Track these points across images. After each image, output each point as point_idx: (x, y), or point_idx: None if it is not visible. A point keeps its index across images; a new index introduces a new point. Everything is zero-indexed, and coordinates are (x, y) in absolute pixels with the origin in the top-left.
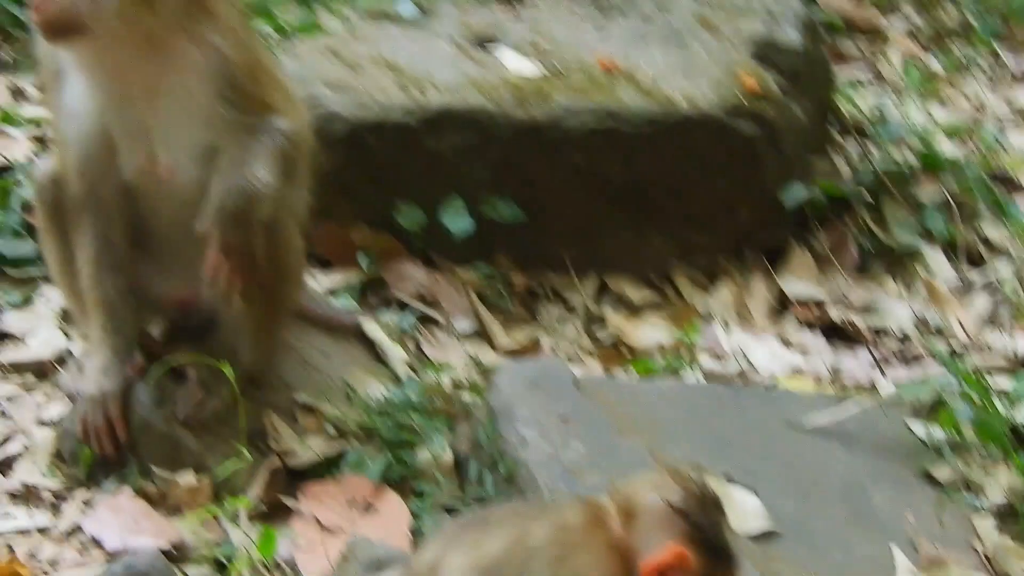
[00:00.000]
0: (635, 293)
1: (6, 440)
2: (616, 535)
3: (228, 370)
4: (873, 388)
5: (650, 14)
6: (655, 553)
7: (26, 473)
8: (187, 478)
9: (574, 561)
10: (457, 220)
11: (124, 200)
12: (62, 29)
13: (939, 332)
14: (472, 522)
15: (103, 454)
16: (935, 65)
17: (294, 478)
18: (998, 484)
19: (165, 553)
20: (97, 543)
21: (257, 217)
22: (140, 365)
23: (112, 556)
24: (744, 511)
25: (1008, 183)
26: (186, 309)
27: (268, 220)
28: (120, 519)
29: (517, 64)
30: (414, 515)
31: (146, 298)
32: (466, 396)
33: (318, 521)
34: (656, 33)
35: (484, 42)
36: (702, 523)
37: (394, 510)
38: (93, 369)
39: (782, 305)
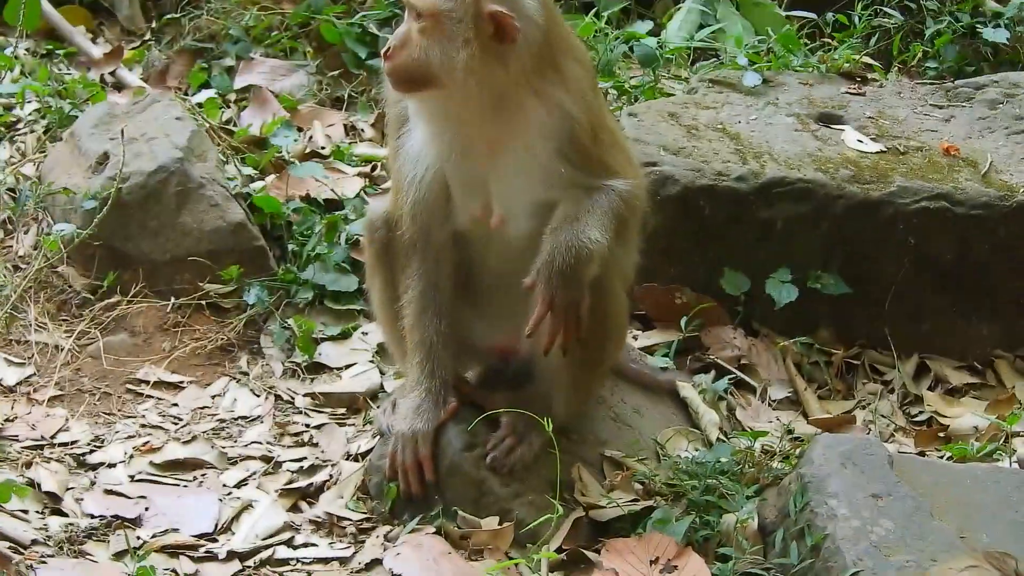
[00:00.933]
0: (955, 376)
1: (313, 469)
2: None
3: (547, 422)
4: None
5: (997, 102)
6: None
7: (331, 504)
8: (491, 523)
9: None
10: (782, 289)
11: (453, 246)
12: (412, 80)
13: None
14: None
15: (409, 492)
16: None
17: (597, 531)
18: None
19: None
20: None
21: (585, 277)
22: (454, 408)
23: None
24: None
25: None
26: (505, 357)
27: (596, 279)
28: (421, 557)
29: (857, 141)
30: None
31: (466, 343)
32: (777, 464)
33: (617, 575)
34: (1001, 121)
35: (826, 117)
36: None
37: (696, 572)
38: (407, 408)
39: None
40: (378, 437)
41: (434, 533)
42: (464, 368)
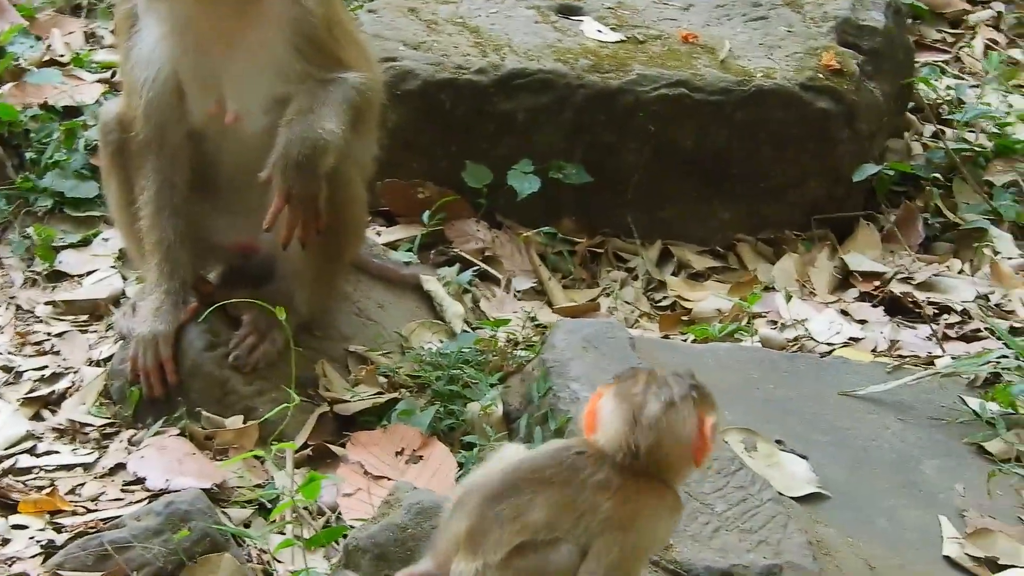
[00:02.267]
0: (698, 260)
1: (56, 377)
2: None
3: (283, 315)
4: (930, 362)
5: None
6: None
7: (73, 411)
8: (235, 422)
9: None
10: (524, 181)
11: (189, 145)
12: None
13: (1000, 310)
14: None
15: (151, 395)
16: (1018, 56)
17: (343, 426)
18: None
19: (208, 494)
20: (140, 482)
21: (322, 167)
22: (194, 308)
23: (154, 495)
24: (793, 475)
25: None
26: (245, 255)
27: (333, 171)
28: (164, 459)
29: (597, 31)
30: (461, 466)
31: (206, 242)
32: (521, 353)
33: (364, 469)
34: (739, 8)
35: (566, 9)
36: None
37: (441, 461)
38: (147, 310)
39: (845, 279)
40: (120, 342)
41: (178, 435)
42: (205, 268)
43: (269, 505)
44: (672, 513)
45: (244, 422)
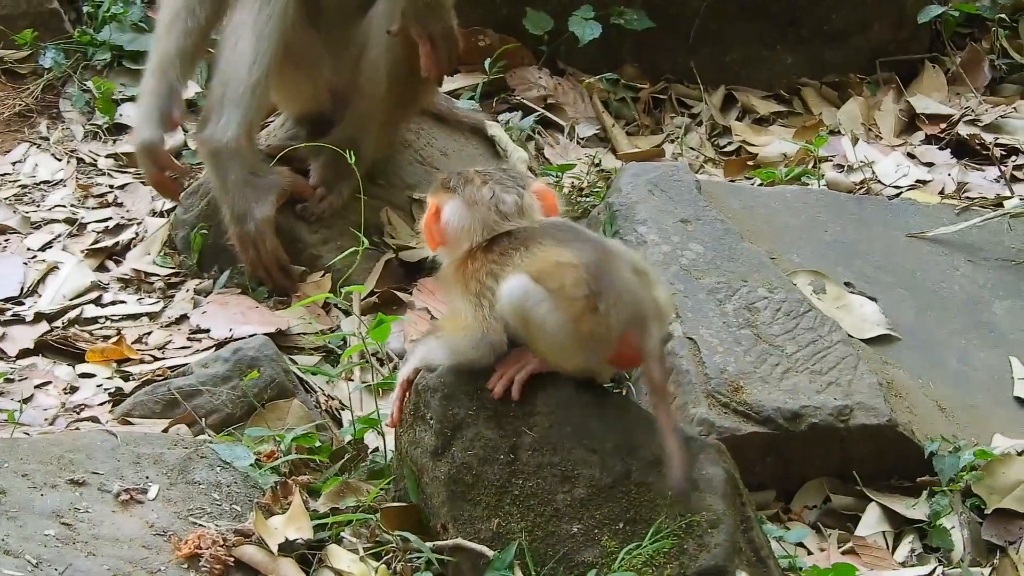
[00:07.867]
0: (762, 105)
1: (119, 228)
2: None
3: (352, 160)
4: (999, 203)
5: None
6: None
7: (138, 261)
8: (302, 270)
9: None
10: (585, 27)
11: None
12: None
13: None
14: None
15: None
16: None
17: (409, 273)
18: None
19: (275, 341)
20: (205, 330)
21: (450, 2)
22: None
23: (221, 344)
24: (862, 317)
25: None
26: (336, 99)
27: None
28: (229, 309)
29: None
30: None
31: (310, 80)
32: (586, 198)
33: (431, 314)
34: None
35: None
36: None
37: None
38: (137, 116)
39: (911, 122)
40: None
41: (240, 293)
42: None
43: (337, 351)
44: None
45: (310, 271)
